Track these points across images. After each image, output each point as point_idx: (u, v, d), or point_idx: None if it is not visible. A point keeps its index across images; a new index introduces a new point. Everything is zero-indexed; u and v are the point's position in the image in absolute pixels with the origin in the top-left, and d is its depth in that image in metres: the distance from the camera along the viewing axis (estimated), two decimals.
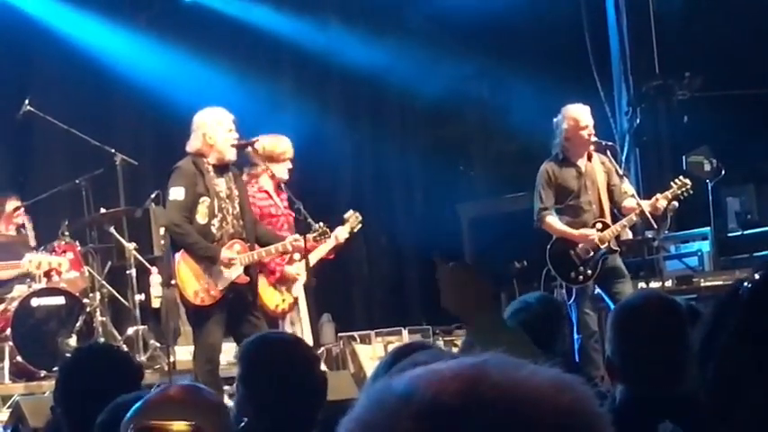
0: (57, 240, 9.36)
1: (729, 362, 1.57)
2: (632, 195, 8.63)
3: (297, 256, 8.23)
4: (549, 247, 8.62)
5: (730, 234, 10.61)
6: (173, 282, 7.77)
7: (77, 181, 9.96)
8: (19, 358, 8.78)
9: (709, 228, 10.23)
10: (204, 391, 2.61)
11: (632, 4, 11.62)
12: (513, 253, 9.99)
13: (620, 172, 8.82)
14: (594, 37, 11.59)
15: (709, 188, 10.19)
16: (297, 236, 7.83)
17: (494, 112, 11.88)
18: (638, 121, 11.45)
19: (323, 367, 7.80)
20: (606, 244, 8.52)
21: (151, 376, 8.64)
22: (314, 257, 8.20)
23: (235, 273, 7.68)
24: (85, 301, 9.22)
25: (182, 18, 11.75)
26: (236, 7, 12.06)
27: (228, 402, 5.13)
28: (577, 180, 8.65)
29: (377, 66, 11.84)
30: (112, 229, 9.67)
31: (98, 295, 9.49)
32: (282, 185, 8.33)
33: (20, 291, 9.01)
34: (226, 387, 7.47)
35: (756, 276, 1.66)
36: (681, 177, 8.67)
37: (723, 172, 10.18)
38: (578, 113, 8.66)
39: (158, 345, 9.59)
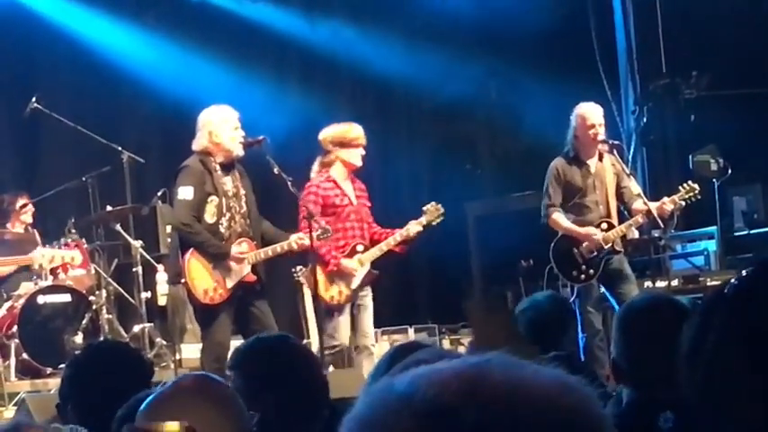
0: (63, 237, 9.37)
1: (719, 360, 1.57)
2: (639, 195, 8.61)
3: (360, 248, 8.22)
4: (552, 244, 8.62)
5: (737, 233, 10.60)
6: (182, 280, 7.77)
7: (84, 178, 9.97)
8: (25, 355, 8.79)
9: (715, 227, 10.22)
10: (217, 381, 2.59)
11: (639, 4, 11.62)
12: (519, 252, 9.99)
13: (627, 171, 8.81)
14: (601, 36, 11.58)
15: (716, 187, 10.18)
16: (301, 234, 7.82)
17: (501, 110, 11.87)
18: (644, 120, 11.44)
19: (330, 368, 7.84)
20: (610, 244, 8.51)
21: (157, 374, 8.65)
22: (377, 251, 8.21)
23: (244, 271, 7.70)
24: (92, 298, 9.23)
25: (188, 16, 11.75)
26: (242, 5, 12.06)
27: None
28: (585, 179, 8.63)
29: (384, 65, 11.84)
30: (119, 227, 9.67)
31: (104, 293, 9.51)
32: (350, 177, 8.28)
33: (26, 288, 9.02)
34: None
35: (743, 273, 1.67)
36: (689, 182, 8.62)
37: (729, 171, 10.17)
38: (587, 112, 8.64)
39: (164, 342, 9.60)
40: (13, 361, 8.78)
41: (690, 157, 10.39)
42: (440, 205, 8.43)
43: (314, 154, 8.46)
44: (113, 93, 11.49)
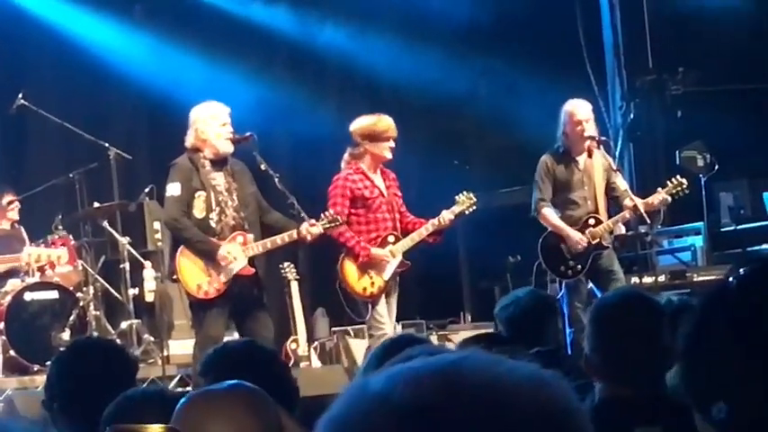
0: (50, 234, 9.35)
1: (720, 359, 1.56)
2: (626, 191, 8.63)
3: (391, 238, 8.18)
4: (541, 239, 8.63)
5: (723, 229, 10.62)
6: (174, 277, 7.77)
7: (71, 175, 9.94)
8: (12, 352, 8.77)
9: (702, 222, 10.25)
10: (254, 389, 2.53)
11: (626, 0, 11.64)
12: (507, 247, 10.00)
13: (614, 167, 8.82)
14: (588, 32, 11.59)
15: (703, 183, 10.20)
16: (306, 225, 7.73)
17: (489, 107, 11.87)
18: (631, 115, 11.45)
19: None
20: (597, 239, 8.52)
21: (145, 370, 8.65)
22: (409, 242, 8.17)
23: (239, 264, 7.67)
24: (79, 295, 9.21)
25: (175, 11, 11.72)
26: (230, 1, 12.04)
27: None
28: (574, 175, 8.64)
29: (373, 61, 11.83)
30: (106, 224, 9.65)
31: (91, 289, 9.48)
32: (378, 169, 8.25)
33: (13, 285, 8.99)
34: None
35: (742, 271, 1.66)
36: (678, 177, 8.63)
37: (716, 167, 10.19)
38: (574, 108, 8.65)
39: (152, 339, 9.59)
40: None
41: (677, 152, 10.41)
42: (472, 194, 8.36)
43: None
44: (100, 89, 11.45)
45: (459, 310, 11.34)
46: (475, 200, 8.35)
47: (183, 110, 7.96)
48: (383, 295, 8.17)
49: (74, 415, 3.63)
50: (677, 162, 10.31)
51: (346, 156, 8.29)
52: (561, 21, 11.47)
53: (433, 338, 10.20)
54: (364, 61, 11.86)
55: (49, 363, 4.15)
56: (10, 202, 9.61)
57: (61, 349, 5.46)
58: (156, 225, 10.18)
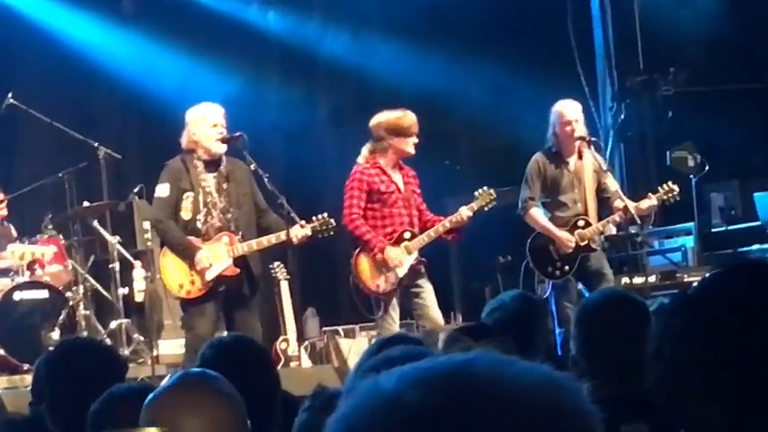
0: (40, 234, 9.34)
1: (680, 360, 1.59)
2: (616, 191, 8.62)
3: (407, 235, 8.10)
4: (530, 239, 8.62)
5: (714, 229, 10.63)
6: (158, 276, 7.79)
7: (60, 174, 9.92)
8: (2, 351, 8.75)
9: (692, 223, 10.25)
10: (219, 380, 2.52)
11: (616, 0, 11.64)
12: (497, 247, 9.99)
13: (605, 167, 8.81)
14: (579, 32, 11.59)
15: (693, 183, 10.20)
16: (297, 227, 7.72)
17: (480, 107, 11.86)
18: (622, 116, 11.45)
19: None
20: (586, 241, 8.51)
21: (135, 370, 8.63)
22: (426, 238, 8.10)
23: (217, 269, 7.66)
24: (68, 294, 9.20)
25: (166, 10, 11.70)
26: None
27: None
28: (564, 177, 8.63)
29: (363, 60, 11.82)
30: (96, 223, 9.64)
31: (81, 289, 9.47)
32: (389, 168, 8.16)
33: (3, 284, 8.98)
34: None
35: (705, 276, 1.69)
36: (669, 183, 8.60)
37: (707, 167, 10.19)
38: (563, 108, 8.64)
39: (142, 338, 9.58)
40: None
41: (667, 153, 10.41)
42: (492, 190, 8.25)
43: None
44: (90, 89, 11.44)
45: (450, 311, 11.33)
46: (494, 195, 8.22)
47: (173, 109, 7.97)
48: (396, 296, 8.09)
49: (62, 415, 3.62)
50: (668, 163, 10.32)
51: (365, 151, 8.20)
52: (552, 21, 11.47)
53: None
54: (356, 61, 11.84)
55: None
56: None
57: (50, 349, 5.44)
58: (146, 225, 10.15)
